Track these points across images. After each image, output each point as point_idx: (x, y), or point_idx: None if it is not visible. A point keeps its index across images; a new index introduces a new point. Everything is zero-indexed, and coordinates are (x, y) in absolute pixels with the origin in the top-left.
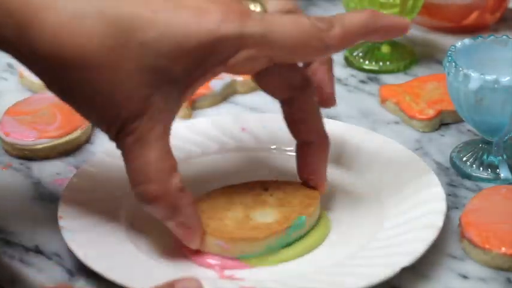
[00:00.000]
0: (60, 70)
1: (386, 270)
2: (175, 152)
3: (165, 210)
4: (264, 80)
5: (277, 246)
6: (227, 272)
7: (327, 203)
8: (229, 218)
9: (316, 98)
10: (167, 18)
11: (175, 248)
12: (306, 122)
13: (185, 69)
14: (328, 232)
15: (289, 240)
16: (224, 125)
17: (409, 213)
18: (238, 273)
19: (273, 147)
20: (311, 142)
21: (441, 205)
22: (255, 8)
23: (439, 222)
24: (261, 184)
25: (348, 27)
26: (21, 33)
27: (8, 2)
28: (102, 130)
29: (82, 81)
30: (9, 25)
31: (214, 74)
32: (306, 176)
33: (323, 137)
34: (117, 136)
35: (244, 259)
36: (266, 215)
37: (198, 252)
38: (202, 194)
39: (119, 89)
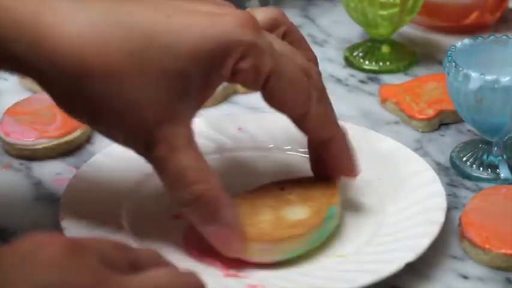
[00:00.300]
0: (81, 82)
1: (391, 266)
2: None
3: (209, 211)
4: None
5: (316, 240)
6: (231, 270)
7: None
8: (262, 222)
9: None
10: (182, 22)
11: (178, 247)
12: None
13: (203, 72)
14: (339, 232)
15: (326, 232)
16: (221, 124)
17: (409, 210)
18: (243, 271)
19: (270, 146)
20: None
21: (441, 201)
22: None
23: (441, 218)
24: (274, 185)
25: (327, 113)
26: (38, 47)
27: (19, 15)
28: (128, 144)
29: (105, 90)
30: (23, 41)
31: (225, 78)
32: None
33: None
34: (146, 148)
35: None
36: (296, 212)
37: (200, 252)
38: None
39: (142, 95)
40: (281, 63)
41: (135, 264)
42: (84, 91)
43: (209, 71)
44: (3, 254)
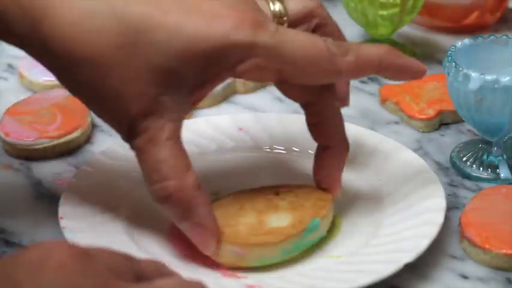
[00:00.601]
0: (71, 67)
1: (391, 266)
2: None
3: (181, 209)
4: (283, 84)
5: (292, 250)
6: (230, 270)
7: None
8: (242, 224)
9: (337, 102)
10: (178, 21)
11: (178, 248)
12: (325, 126)
13: (193, 72)
14: (338, 233)
15: (304, 244)
16: (221, 124)
17: (409, 211)
18: (242, 271)
19: (271, 146)
20: (329, 146)
21: (441, 202)
22: (274, 6)
23: (440, 219)
24: (271, 189)
25: (363, 57)
26: (33, 29)
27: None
28: (114, 129)
29: (92, 78)
30: (21, 22)
31: (222, 79)
32: (321, 179)
33: (342, 142)
34: (129, 136)
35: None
36: (280, 219)
37: (198, 252)
38: (211, 202)
39: (128, 87)
40: (286, 43)
41: (140, 276)
42: (73, 76)
43: (203, 71)
44: (11, 262)
